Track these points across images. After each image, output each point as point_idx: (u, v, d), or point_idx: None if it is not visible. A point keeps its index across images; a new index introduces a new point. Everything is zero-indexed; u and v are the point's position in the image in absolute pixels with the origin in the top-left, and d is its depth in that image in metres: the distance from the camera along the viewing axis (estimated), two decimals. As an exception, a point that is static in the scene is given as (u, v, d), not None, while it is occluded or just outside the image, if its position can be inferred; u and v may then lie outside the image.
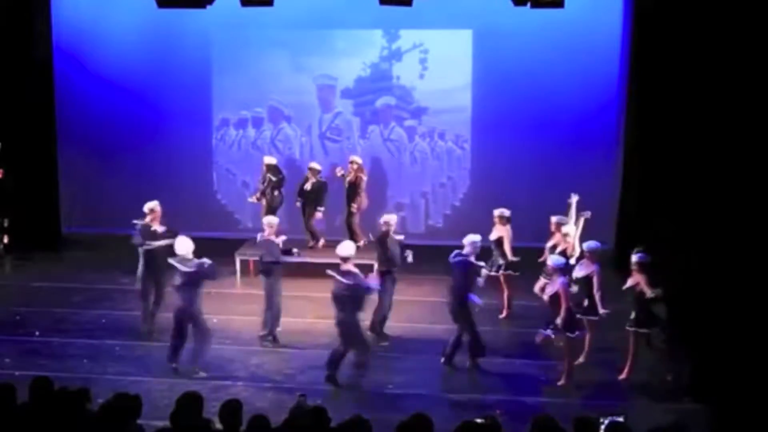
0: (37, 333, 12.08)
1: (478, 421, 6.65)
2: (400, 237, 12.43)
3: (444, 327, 12.40)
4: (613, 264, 13.30)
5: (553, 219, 12.44)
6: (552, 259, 10.82)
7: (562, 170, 15.70)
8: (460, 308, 10.96)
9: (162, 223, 12.03)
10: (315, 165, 15.18)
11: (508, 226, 12.81)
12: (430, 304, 13.07)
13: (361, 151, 16.22)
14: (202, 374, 10.53)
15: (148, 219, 12.04)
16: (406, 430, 6.17)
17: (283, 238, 12.03)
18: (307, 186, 14.93)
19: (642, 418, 8.05)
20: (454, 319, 11.08)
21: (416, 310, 13.02)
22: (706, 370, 10.33)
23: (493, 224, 12.79)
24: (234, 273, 14.49)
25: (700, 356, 10.72)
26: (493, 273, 12.56)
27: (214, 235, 15.23)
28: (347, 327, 10.37)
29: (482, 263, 11.48)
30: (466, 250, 11.06)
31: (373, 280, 10.87)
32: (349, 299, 10.29)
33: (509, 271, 12.81)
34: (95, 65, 16.64)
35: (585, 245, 11.12)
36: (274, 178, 15.04)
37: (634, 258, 10.63)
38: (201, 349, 10.67)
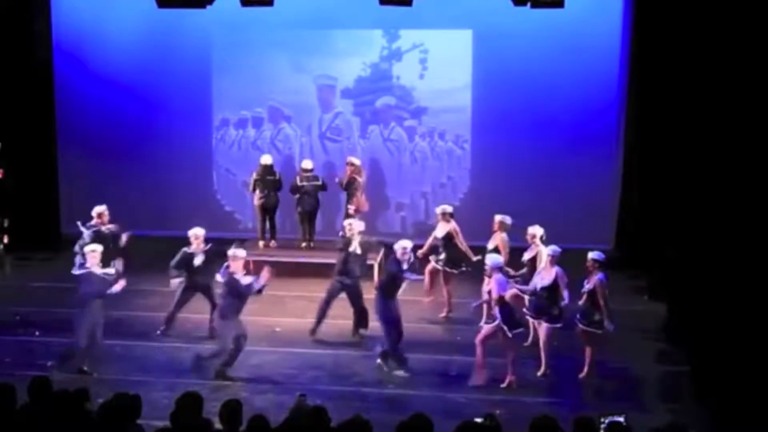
0: (37, 333, 12.09)
1: (478, 421, 6.66)
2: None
3: (444, 327, 12.45)
4: (613, 265, 13.26)
5: (497, 218, 12.16)
6: (490, 258, 10.71)
7: (562, 170, 15.72)
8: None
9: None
10: (304, 164, 15.11)
11: (453, 222, 12.69)
12: (430, 304, 13.07)
13: (361, 151, 16.22)
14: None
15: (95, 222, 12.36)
16: (406, 430, 6.16)
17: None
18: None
19: (642, 418, 8.06)
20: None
21: (415, 310, 13.00)
22: (706, 370, 10.33)
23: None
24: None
25: (700, 356, 10.72)
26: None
27: (214, 236, 15.11)
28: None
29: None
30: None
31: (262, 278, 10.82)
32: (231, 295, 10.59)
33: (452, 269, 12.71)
34: (95, 65, 16.62)
35: (549, 249, 10.93)
36: (257, 178, 15.00)
37: (592, 255, 10.52)
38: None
